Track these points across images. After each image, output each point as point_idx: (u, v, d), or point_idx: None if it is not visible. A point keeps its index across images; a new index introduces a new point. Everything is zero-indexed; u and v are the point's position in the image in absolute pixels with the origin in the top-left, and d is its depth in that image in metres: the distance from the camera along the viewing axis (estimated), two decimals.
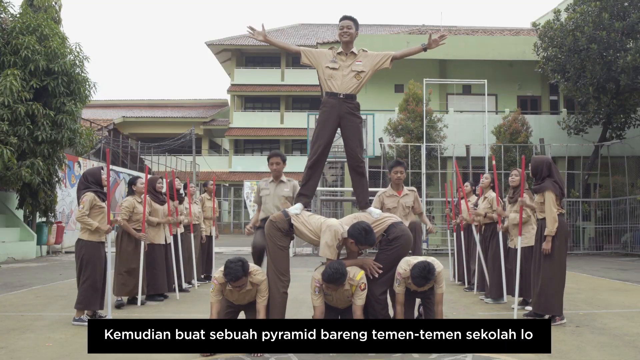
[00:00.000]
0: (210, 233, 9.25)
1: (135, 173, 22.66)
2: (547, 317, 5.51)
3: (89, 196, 5.56)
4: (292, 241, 5.05)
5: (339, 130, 5.00)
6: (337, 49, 4.98)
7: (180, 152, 32.56)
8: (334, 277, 4.29)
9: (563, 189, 5.57)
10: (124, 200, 6.95)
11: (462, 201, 8.18)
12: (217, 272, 4.53)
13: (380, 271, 4.63)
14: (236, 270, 4.27)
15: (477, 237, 7.54)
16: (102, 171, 5.78)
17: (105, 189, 5.74)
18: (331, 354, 4.26)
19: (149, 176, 7.07)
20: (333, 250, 4.48)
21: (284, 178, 5.72)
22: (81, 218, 5.55)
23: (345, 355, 4.22)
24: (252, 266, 4.50)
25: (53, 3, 15.59)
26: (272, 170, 5.67)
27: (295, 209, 4.77)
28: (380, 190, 6.12)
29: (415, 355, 4.25)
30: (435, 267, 4.45)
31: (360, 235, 4.47)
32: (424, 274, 4.38)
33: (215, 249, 9.53)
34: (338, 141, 6.07)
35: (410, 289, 4.67)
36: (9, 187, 13.69)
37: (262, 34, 4.93)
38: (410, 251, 4.92)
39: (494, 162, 7.03)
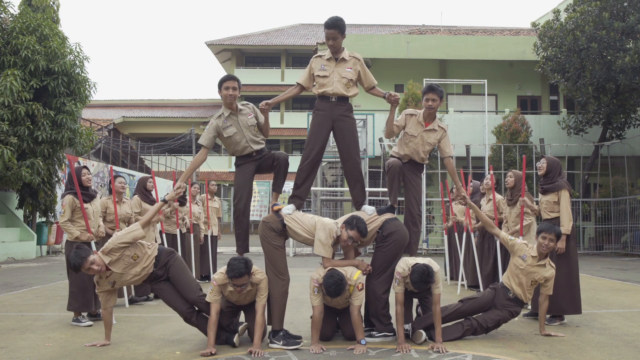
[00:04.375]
0: (210, 233, 9.26)
1: (135, 173, 22.66)
2: (548, 316, 5.49)
3: (67, 199, 5.54)
4: (292, 242, 5.01)
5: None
6: (325, 56, 4.95)
7: (180, 152, 32.54)
8: (335, 286, 4.28)
9: None
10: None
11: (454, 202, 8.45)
12: (217, 273, 4.54)
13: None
14: (239, 267, 4.27)
15: (472, 237, 7.64)
16: (84, 170, 5.69)
17: (88, 189, 5.71)
18: (331, 354, 4.26)
19: (141, 175, 6.94)
20: (327, 248, 4.49)
21: (239, 105, 4.89)
22: (64, 224, 5.55)
23: (345, 355, 4.23)
24: (253, 266, 4.50)
25: (51, 3, 15.60)
26: (227, 97, 4.76)
27: (288, 209, 4.77)
28: (410, 110, 5.26)
29: (415, 355, 4.25)
30: (433, 270, 4.47)
31: (350, 220, 4.53)
32: (424, 278, 4.38)
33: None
34: None
35: (408, 289, 4.68)
36: (9, 187, 13.69)
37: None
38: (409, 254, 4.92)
39: (490, 167, 7.05)
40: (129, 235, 4.45)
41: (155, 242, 7.05)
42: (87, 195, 5.69)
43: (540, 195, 5.82)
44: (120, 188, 6.63)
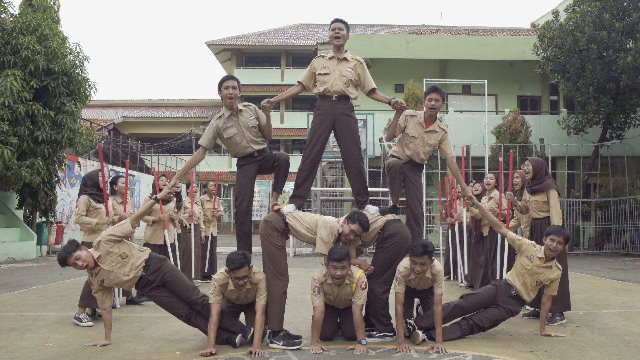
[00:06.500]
0: (211, 233, 9.26)
1: (135, 173, 22.65)
2: (550, 314, 5.49)
3: (82, 198, 5.94)
4: (292, 242, 5.02)
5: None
6: (328, 55, 4.98)
7: (180, 152, 32.55)
8: (341, 247, 4.38)
9: None
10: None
11: (458, 201, 8.49)
12: (217, 273, 4.54)
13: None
14: (238, 259, 4.30)
15: (464, 235, 7.69)
16: (99, 173, 6.05)
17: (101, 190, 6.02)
18: (331, 354, 4.26)
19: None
20: (329, 246, 4.50)
21: (239, 105, 4.91)
22: (79, 219, 5.92)
23: (345, 355, 4.23)
24: (253, 267, 4.50)
25: (51, 3, 15.59)
26: (227, 97, 4.78)
27: (289, 208, 4.77)
28: (410, 111, 5.17)
29: (415, 355, 4.25)
30: (434, 247, 4.53)
31: (352, 214, 4.57)
32: (423, 242, 4.50)
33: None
34: None
35: (410, 287, 4.69)
36: (9, 187, 13.69)
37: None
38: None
39: (501, 159, 7.06)
40: (119, 229, 4.57)
41: (165, 242, 7.22)
42: (101, 196, 6.01)
43: (528, 195, 5.82)
44: (122, 189, 6.65)
